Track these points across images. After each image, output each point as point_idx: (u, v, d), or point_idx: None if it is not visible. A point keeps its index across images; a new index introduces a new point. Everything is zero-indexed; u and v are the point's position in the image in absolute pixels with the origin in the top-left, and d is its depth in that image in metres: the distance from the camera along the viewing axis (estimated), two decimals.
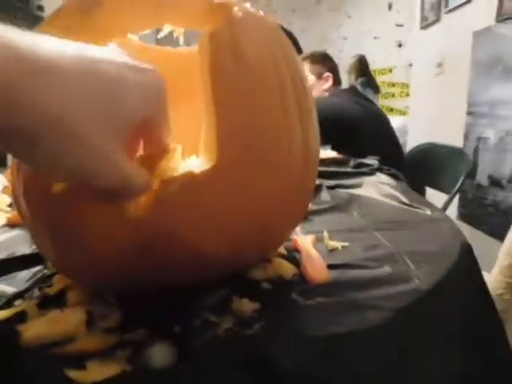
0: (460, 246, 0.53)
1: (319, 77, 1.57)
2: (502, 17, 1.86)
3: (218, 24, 0.32)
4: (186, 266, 0.32)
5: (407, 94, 4.38)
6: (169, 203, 0.28)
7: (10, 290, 0.38)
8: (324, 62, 1.61)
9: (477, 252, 0.56)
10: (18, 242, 0.55)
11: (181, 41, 0.41)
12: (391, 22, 4.42)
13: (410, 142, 2.81)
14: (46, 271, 0.44)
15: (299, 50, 1.72)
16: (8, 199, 0.71)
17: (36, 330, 0.30)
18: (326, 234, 0.53)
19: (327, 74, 1.57)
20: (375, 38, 4.39)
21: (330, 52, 4.87)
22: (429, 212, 0.68)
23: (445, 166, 1.65)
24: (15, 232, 0.59)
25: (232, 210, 0.30)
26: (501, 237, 1.94)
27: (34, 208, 0.31)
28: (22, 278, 0.43)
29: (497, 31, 1.90)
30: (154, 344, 0.29)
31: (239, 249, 0.34)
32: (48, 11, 2.34)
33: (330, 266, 0.45)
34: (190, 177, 0.28)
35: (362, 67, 3.26)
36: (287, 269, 0.43)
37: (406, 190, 0.82)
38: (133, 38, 0.45)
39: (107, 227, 0.29)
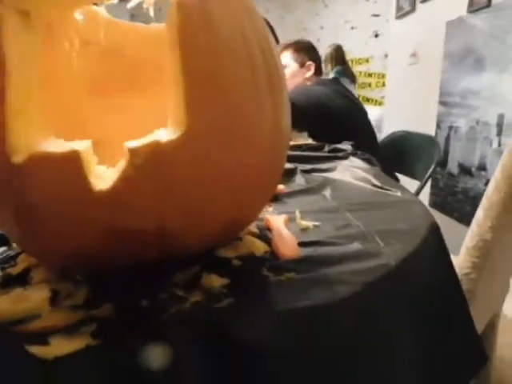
0: (428, 225, 0.55)
1: (302, 65, 1.57)
2: (473, 7, 1.90)
3: None
4: (152, 242, 0.32)
5: (383, 84, 4.43)
6: (134, 176, 0.28)
7: None
8: (307, 51, 1.61)
9: (448, 238, 0.58)
10: None
11: (151, 12, 0.40)
12: (368, 12, 4.45)
13: (385, 130, 2.85)
14: (10, 252, 0.43)
15: (276, 39, 1.71)
16: None
17: None
18: (298, 213, 0.53)
19: (309, 62, 1.57)
20: (352, 28, 4.41)
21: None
22: (399, 193, 0.69)
23: (417, 154, 1.69)
24: None
25: (198, 183, 0.30)
26: (470, 223, 2.01)
27: None
28: None
29: (468, 22, 1.94)
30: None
31: (205, 225, 0.33)
32: None
33: (301, 244, 0.45)
34: (156, 146, 0.28)
35: (338, 56, 3.27)
36: (258, 246, 0.43)
37: (378, 173, 0.83)
38: (100, 10, 0.44)
39: (72, 203, 0.28)
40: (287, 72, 1.51)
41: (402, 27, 2.63)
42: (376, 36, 4.41)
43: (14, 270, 0.37)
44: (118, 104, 0.52)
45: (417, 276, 0.47)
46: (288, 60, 1.55)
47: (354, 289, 0.38)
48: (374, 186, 0.74)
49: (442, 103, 2.18)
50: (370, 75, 4.44)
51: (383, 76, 4.54)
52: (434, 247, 0.53)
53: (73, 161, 0.27)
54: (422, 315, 0.47)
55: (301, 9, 4.36)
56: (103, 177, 0.28)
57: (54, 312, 0.31)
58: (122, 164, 0.28)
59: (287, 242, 0.44)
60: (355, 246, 0.45)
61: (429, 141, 1.70)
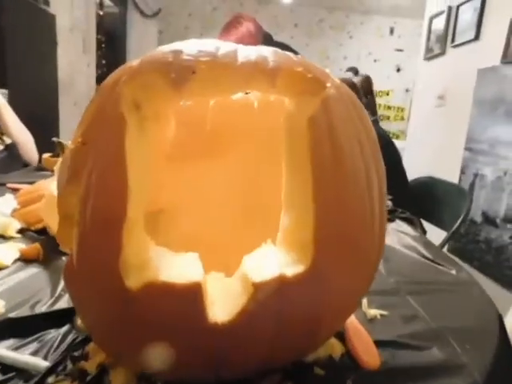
0: (497, 321, 0.52)
1: None
2: (507, 59, 1.89)
3: (309, 101, 0.30)
4: (252, 367, 0.30)
5: (402, 118, 4.44)
6: (254, 310, 0.26)
7: (43, 364, 0.35)
8: (364, 90, 1.55)
9: None
10: (37, 284, 0.51)
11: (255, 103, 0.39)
12: (391, 46, 4.49)
13: (407, 170, 2.83)
14: (74, 333, 0.41)
15: None
16: (18, 224, 0.67)
17: None
18: (365, 300, 0.51)
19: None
20: (375, 60, 4.45)
21: (330, 70, 4.93)
22: (454, 272, 0.67)
23: (444, 202, 1.66)
24: (31, 270, 0.55)
25: (315, 313, 0.28)
26: (492, 275, 1.97)
27: (100, 296, 0.28)
28: (51, 340, 0.39)
29: (502, 72, 1.94)
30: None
31: (308, 349, 0.31)
32: (53, 5, 2.27)
33: (377, 343, 0.43)
34: (281, 281, 0.26)
35: (367, 87, 3.27)
36: (336, 348, 0.41)
37: (426, 241, 0.81)
38: None
39: (184, 332, 0.26)
40: None
41: (430, 68, 2.64)
42: (398, 70, 4.44)
43: (89, 366, 0.35)
44: (194, 171, 0.50)
45: None
46: None
47: None
48: (425, 257, 0.72)
49: (468, 149, 2.17)
50: (389, 108, 4.46)
51: (402, 110, 4.55)
52: (506, 347, 0.51)
53: (194, 293, 0.25)
54: None
55: (325, 37, 4.41)
56: (218, 306, 0.26)
57: None
58: (241, 297, 0.26)
59: (366, 346, 0.41)
60: (434, 353, 0.43)
61: (457, 191, 1.68)
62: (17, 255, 0.57)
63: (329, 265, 0.27)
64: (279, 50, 0.36)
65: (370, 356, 0.40)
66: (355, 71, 1.78)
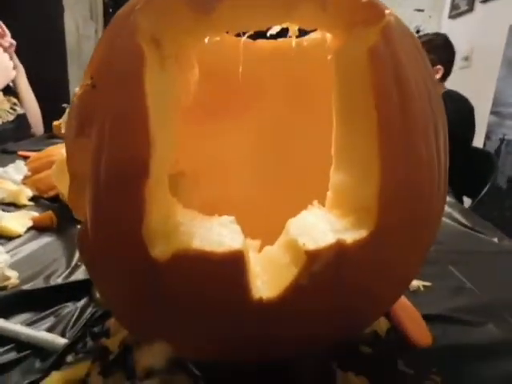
0: None
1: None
2: None
3: (367, 30, 0.24)
4: (298, 347, 0.25)
5: None
6: (307, 284, 0.21)
7: (61, 341, 0.31)
8: (441, 51, 1.42)
9: None
10: (51, 254, 0.47)
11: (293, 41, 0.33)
12: (411, 6, 4.25)
13: None
14: (93, 307, 0.37)
15: None
16: (30, 192, 0.63)
17: None
18: None
19: (439, 66, 1.41)
20: None
21: None
22: (496, 240, 0.62)
23: (468, 168, 1.59)
24: (45, 239, 0.52)
25: (375, 288, 0.23)
26: None
27: (121, 267, 0.24)
28: (68, 315, 0.36)
29: None
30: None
31: (360, 327, 0.27)
32: None
33: (424, 318, 0.38)
34: (339, 248, 0.21)
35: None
36: (381, 323, 0.37)
37: (463, 209, 0.76)
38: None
39: (223, 308, 0.22)
40: None
41: (456, 27, 2.48)
42: (417, 32, 4.22)
43: (111, 344, 0.31)
44: (212, 130, 0.45)
45: None
46: None
47: None
48: (465, 226, 0.67)
49: (495, 113, 2.06)
50: None
51: None
52: None
53: (235, 263, 0.21)
54: None
55: None
56: (262, 280, 0.22)
57: None
58: (290, 269, 0.21)
59: (415, 321, 0.37)
60: (491, 330, 0.38)
61: (483, 156, 1.60)
62: (29, 224, 0.54)
63: (395, 228, 0.22)
64: None
65: (420, 332, 0.36)
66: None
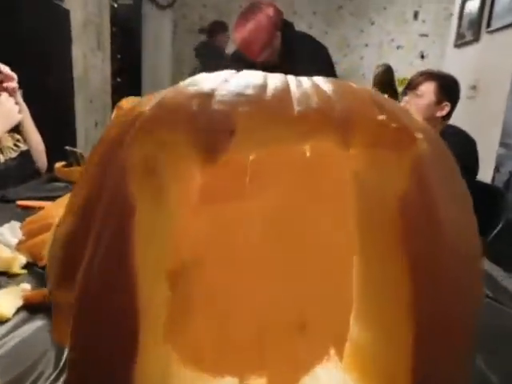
0: None
1: (438, 103, 1.38)
2: None
3: (393, 166, 0.21)
4: None
5: None
6: None
7: None
8: (451, 91, 1.43)
9: None
10: (40, 344, 0.44)
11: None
12: (415, 31, 4.29)
13: None
14: None
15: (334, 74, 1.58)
16: (23, 259, 0.60)
17: None
18: None
19: (446, 103, 1.40)
20: (398, 47, 4.26)
21: (350, 59, 4.74)
22: None
23: (476, 204, 1.54)
24: (36, 323, 0.48)
25: None
26: None
27: None
28: None
29: None
30: None
31: None
32: (67, 0, 2.20)
33: None
34: None
35: (388, 79, 3.10)
36: None
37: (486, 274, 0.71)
38: None
39: None
40: (422, 103, 1.36)
41: (462, 56, 2.48)
42: (422, 57, 4.25)
43: None
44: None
45: None
46: (429, 91, 1.37)
47: None
48: (487, 296, 0.62)
49: (504, 145, 2.02)
50: None
51: None
52: None
53: None
54: None
55: (345, 25, 4.24)
56: None
57: None
58: None
59: None
60: None
61: (492, 191, 1.56)
62: (20, 303, 0.50)
63: None
64: (338, 81, 0.27)
65: None
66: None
